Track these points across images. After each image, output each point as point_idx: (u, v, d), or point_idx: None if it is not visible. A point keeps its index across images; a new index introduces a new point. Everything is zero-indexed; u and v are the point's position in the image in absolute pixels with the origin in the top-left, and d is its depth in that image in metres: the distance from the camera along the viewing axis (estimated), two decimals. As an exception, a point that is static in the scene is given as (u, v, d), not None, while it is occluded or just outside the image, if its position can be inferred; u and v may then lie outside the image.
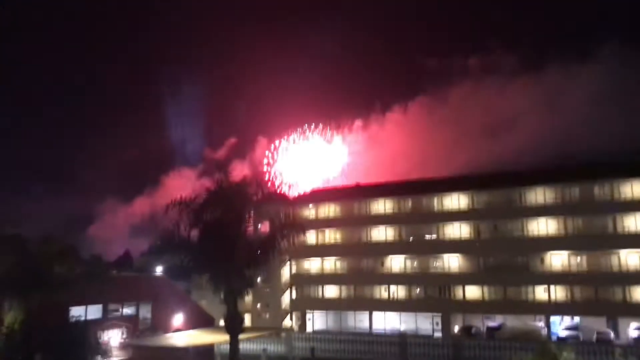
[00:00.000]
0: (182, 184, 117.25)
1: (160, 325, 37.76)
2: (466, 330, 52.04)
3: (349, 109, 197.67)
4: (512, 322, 53.01)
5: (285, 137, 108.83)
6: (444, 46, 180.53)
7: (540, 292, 52.79)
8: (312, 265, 65.98)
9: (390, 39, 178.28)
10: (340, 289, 63.46)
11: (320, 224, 64.99)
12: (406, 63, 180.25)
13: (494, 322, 53.35)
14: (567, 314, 52.08)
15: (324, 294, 64.21)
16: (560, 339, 46.89)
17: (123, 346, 33.22)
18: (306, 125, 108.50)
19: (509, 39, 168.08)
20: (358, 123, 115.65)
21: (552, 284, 52.08)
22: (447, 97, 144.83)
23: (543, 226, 54.03)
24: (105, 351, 24.68)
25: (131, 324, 36.05)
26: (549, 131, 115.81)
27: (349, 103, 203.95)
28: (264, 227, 23.11)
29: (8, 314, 22.95)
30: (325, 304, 63.67)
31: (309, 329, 62.09)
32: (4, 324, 22.88)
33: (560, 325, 51.41)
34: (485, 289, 55.36)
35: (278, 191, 71.63)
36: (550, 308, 52.01)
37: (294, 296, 65.55)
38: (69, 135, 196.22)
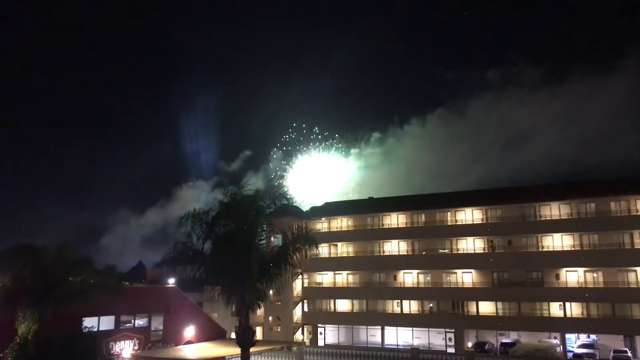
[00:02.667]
0: (195, 196, 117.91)
1: (172, 337, 37.73)
2: (480, 346, 51.40)
3: (366, 122, 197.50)
4: (527, 338, 52.30)
5: (300, 149, 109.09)
6: (464, 58, 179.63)
7: (556, 309, 52.09)
8: (324, 278, 65.81)
9: (409, 51, 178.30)
10: (353, 303, 63.17)
11: (332, 237, 64.93)
12: (425, 75, 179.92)
13: (508, 338, 52.66)
14: (583, 332, 51.20)
15: (336, 307, 63.94)
16: (576, 357, 46.09)
17: (135, 357, 33.25)
18: (321, 137, 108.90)
19: (530, 51, 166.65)
20: (376, 135, 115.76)
21: (568, 300, 51.37)
22: (466, 110, 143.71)
23: (558, 242, 53.47)
24: (117, 362, 24.71)
25: (143, 335, 36.03)
26: (567, 145, 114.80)
27: (367, 116, 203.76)
28: (277, 239, 23.11)
29: (22, 324, 23.08)
30: (337, 318, 63.34)
31: (320, 343, 61.72)
32: (17, 334, 23.01)
33: (576, 343, 50.57)
34: (499, 304, 54.75)
35: (291, 204, 71.88)
36: (566, 325, 51.23)
37: (305, 309, 65.33)
38: (82, 146, 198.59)
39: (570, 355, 47.87)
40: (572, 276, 52.04)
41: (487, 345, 51.45)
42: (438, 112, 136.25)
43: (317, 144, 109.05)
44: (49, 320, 23.08)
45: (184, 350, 34.76)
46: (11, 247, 27.24)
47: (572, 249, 52.50)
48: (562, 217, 53.67)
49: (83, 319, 26.92)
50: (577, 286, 51.33)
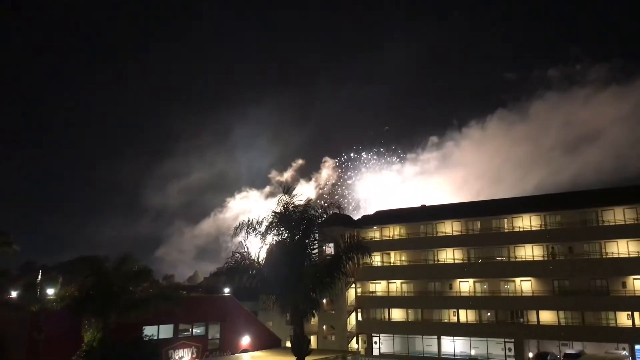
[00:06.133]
0: (248, 206, 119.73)
1: (228, 345, 38.31)
2: (541, 357, 49.49)
3: (423, 126, 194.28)
4: (592, 349, 49.89)
5: (353, 156, 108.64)
6: (525, 57, 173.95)
7: (623, 318, 49.57)
8: (378, 287, 65.28)
9: (469, 51, 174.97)
10: (407, 312, 62.29)
11: (385, 245, 64.40)
12: (485, 76, 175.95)
13: (572, 349, 50.48)
14: (654, 342, 48.46)
15: (390, 316, 63.23)
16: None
17: (193, 365, 33.99)
18: (375, 143, 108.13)
19: (596, 48, 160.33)
20: (433, 140, 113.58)
21: (636, 309, 48.78)
22: (527, 111, 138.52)
23: (624, 248, 50.95)
24: (176, 370, 25.34)
25: (200, 343, 36.77)
26: (635, 146, 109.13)
27: (424, 119, 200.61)
28: (329, 249, 23.14)
29: (87, 332, 24.06)
30: (392, 327, 62.59)
31: (375, 352, 61.17)
32: (84, 341, 24.00)
33: (647, 354, 47.92)
34: (561, 313, 52.62)
35: (343, 212, 71.78)
36: (635, 335, 48.55)
37: (359, 318, 64.95)
38: (139, 159, 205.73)
39: (640, 367, 45.41)
40: (640, 284, 49.42)
41: (549, 356, 49.48)
42: (498, 113, 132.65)
43: (371, 150, 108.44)
44: (112, 328, 23.98)
45: (240, 358, 35.23)
46: (76, 259, 28.60)
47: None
48: (627, 222, 51.15)
49: (144, 327, 27.76)
50: (646, 294, 48.70)
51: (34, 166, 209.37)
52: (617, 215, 51.91)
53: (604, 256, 51.75)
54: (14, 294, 34.56)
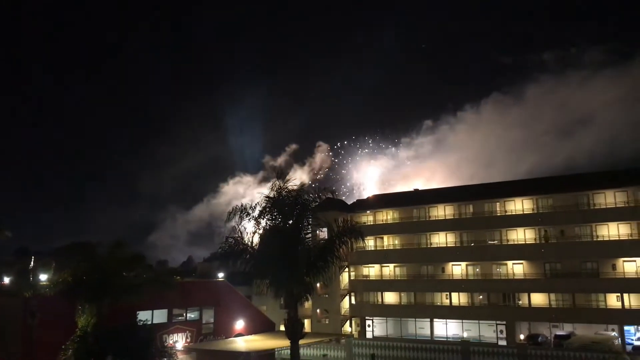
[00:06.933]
0: (242, 191, 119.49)
1: (222, 329, 38.52)
2: (532, 338, 50.13)
3: (418, 110, 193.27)
4: (582, 330, 50.61)
5: (347, 141, 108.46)
6: (520, 39, 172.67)
7: (613, 300, 50.23)
8: (371, 271, 65.67)
9: (463, 34, 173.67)
10: (400, 296, 62.80)
11: (378, 229, 64.66)
12: (480, 59, 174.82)
13: (562, 330, 51.17)
14: (643, 323, 49.21)
15: (384, 300, 63.72)
16: (635, 349, 44.33)
17: (187, 349, 34.14)
18: (368, 127, 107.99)
19: (591, 31, 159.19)
20: (428, 123, 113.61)
21: (626, 291, 49.40)
22: (522, 94, 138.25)
23: (614, 231, 51.43)
24: (170, 354, 25.44)
25: (195, 328, 36.95)
26: (629, 129, 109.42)
27: (419, 103, 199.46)
28: (323, 233, 23.21)
29: (81, 317, 24.09)
30: (385, 311, 63.13)
31: (368, 335, 61.71)
32: (78, 326, 24.03)
33: (636, 335, 48.65)
34: (552, 296, 53.22)
35: (337, 197, 72.07)
36: (624, 316, 49.30)
37: (353, 302, 65.41)
38: (131, 143, 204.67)
39: (629, 347, 46.06)
40: (630, 266, 49.96)
41: (540, 338, 50.13)
42: (493, 96, 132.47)
43: (366, 134, 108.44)
44: (106, 313, 24.01)
45: (234, 342, 35.45)
46: (69, 244, 28.50)
47: (630, 237, 50.39)
48: (617, 205, 51.57)
49: (138, 312, 27.84)
50: (636, 276, 49.28)
51: (26, 152, 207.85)
52: (608, 199, 52.29)
53: (595, 239, 52.23)
54: (7, 280, 34.54)
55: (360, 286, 65.47)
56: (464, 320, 57.40)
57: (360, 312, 64.50)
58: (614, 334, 49.30)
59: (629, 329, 49.53)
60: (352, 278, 66.05)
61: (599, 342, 45.05)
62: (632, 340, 47.98)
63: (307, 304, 47.69)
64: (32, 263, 28.83)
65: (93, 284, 23.84)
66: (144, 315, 29.26)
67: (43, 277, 27.69)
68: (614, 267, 50.83)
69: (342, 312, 64.99)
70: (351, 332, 62.33)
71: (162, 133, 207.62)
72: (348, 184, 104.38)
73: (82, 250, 26.08)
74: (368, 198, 74.60)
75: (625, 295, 49.51)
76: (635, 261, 49.75)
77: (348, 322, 64.94)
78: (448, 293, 59.18)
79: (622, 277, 49.97)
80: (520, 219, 56.21)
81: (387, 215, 65.80)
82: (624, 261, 50.26)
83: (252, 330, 39.64)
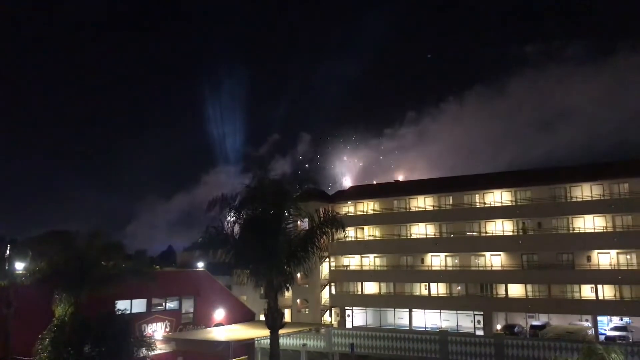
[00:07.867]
0: (223, 181, 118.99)
1: (202, 319, 38.39)
2: (509, 328, 51.05)
3: (401, 101, 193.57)
4: (557, 321, 51.74)
5: (329, 132, 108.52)
6: (502, 32, 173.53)
7: (587, 291, 51.31)
8: (351, 261, 66.04)
9: (446, 26, 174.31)
10: (380, 286, 63.30)
11: (359, 220, 64.97)
12: (463, 51, 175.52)
13: (538, 321, 52.16)
14: (616, 314, 50.34)
15: (363, 290, 64.18)
16: (608, 339, 45.44)
17: (166, 339, 33.99)
18: (351, 119, 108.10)
19: (574, 25, 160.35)
20: (411, 115, 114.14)
21: (600, 283, 50.50)
22: (505, 87, 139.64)
23: (590, 223, 52.45)
24: (149, 343, 25.29)
25: (174, 317, 36.74)
26: (607, 124, 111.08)
27: (402, 95, 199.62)
28: (304, 223, 23.22)
29: (59, 307, 23.81)
30: (365, 301, 63.60)
31: (348, 325, 62.17)
32: (55, 316, 23.75)
33: (609, 326, 49.80)
34: (529, 287, 54.19)
35: (318, 187, 72.12)
36: (598, 307, 50.43)
37: (333, 292, 65.76)
38: (110, 133, 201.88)
39: (602, 338, 47.19)
40: (605, 258, 51.05)
41: (516, 328, 51.06)
42: (476, 88, 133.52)
43: (348, 125, 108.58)
44: (84, 303, 23.75)
45: (214, 332, 35.39)
46: (46, 233, 28.07)
47: (605, 230, 51.42)
48: (593, 198, 52.54)
49: (116, 302, 27.54)
50: (610, 268, 50.38)
51: (2, 142, 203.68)
52: (585, 192, 53.23)
53: (571, 231, 53.19)
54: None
55: (341, 276, 65.80)
56: (442, 311, 58.12)
57: (340, 302, 64.89)
58: (587, 324, 50.46)
59: (602, 319, 50.66)
60: (332, 268, 66.35)
61: (573, 332, 46.13)
62: (605, 330, 49.11)
63: (287, 294, 47.85)
64: (7, 251, 28.29)
65: (71, 273, 23.55)
66: (122, 305, 28.96)
67: (19, 265, 27.23)
68: (588, 258, 51.85)
69: (322, 302, 65.33)
70: (331, 322, 62.72)
71: (142, 123, 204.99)
72: (330, 175, 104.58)
73: (60, 239, 25.73)
74: (349, 189, 74.88)
75: (599, 287, 50.59)
76: (609, 253, 50.83)
77: (328, 312, 65.30)
78: (427, 283, 59.83)
79: (596, 269, 51.04)
80: (498, 210, 56.95)
81: (368, 206, 66.12)
82: (599, 253, 51.31)
83: (232, 320, 39.59)
